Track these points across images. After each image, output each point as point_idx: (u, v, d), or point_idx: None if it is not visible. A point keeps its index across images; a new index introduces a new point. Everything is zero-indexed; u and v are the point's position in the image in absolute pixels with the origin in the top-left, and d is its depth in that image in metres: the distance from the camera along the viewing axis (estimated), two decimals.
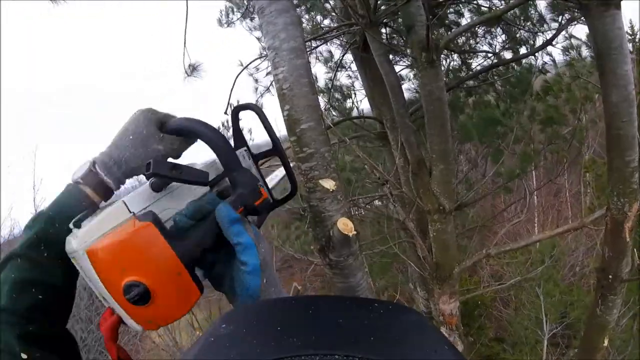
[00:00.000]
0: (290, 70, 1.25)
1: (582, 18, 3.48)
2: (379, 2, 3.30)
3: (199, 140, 0.65)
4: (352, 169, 5.47)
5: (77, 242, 0.52)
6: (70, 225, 0.54)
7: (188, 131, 0.64)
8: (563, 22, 3.68)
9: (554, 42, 3.77)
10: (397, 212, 4.18)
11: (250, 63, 4.20)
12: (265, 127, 0.66)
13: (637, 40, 9.20)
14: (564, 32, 3.95)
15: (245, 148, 0.67)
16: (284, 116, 1.33)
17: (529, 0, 3.64)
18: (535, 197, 10.14)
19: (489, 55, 4.47)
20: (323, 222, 1.33)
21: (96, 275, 0.50)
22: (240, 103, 0.65)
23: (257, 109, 0.65)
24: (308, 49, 4.41)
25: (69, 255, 0.54)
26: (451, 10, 4.24)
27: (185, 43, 3.16)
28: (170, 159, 0.67)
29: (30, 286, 0.57)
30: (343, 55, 4.78)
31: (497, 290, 7.46)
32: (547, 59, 4.41)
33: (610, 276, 2.46)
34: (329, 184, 1.28)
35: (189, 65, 3.78)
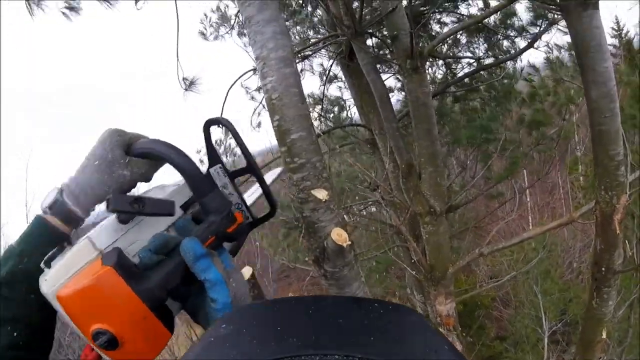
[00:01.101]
0: (279, 80, 1.25)
1: (561, 21, 3.60)
2: (363, 12, 3.38)
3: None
4: (345, 177, 5.51)
5: (47, 285, 0.52)
6: (42, 265, 0.55)
7: (154, 155, 0.62)
8: (543, 26, 3.77)
9: (535, 45, 3.85)
10: (389, 217, 4.22)
11: (241, 76, 4.23)
12: (237, 143, 0.62)
13: (623, 36, 9.35)
14: (545, 39, 4.05)
15: (219, 165, 0.63)
16: (273, 127, 1.32)
17: (508, 4, 3.74)
18: (529, 195, 10.22)
19: (472, 62, 4.55)
20: (317, 232, 1.32)
21: (69, 319, 0.51)
22: (211, 117, 0.62)
23: (227, 124, 0.61)
24: (298, 61, 4.45)
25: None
26: (435, 19, 4.33)
27: (177, 52, 3.21)
28: (141, 184, 0.65)
29: (4, 325, 0.56)
30: (331, 66, 4.84)
31: (494, 289, 7.47)
32: (533, 60, 4.52)
33: (603, 269, 2.49)
34: (321, 194, 1.27)
35: (183, 79, 3.79)
